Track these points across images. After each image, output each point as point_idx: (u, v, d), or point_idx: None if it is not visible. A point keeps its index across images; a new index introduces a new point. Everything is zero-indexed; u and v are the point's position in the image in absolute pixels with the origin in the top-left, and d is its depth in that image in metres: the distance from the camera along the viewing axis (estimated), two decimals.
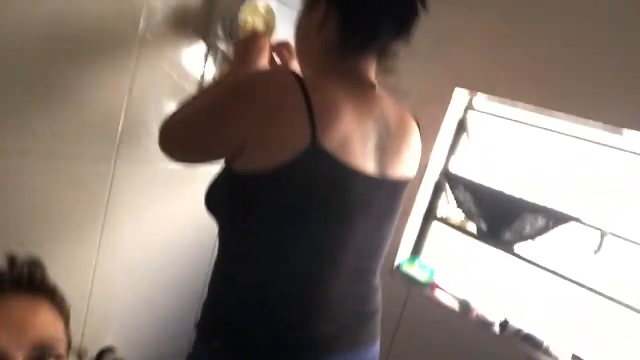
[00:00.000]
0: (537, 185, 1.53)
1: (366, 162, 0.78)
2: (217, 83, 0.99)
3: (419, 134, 0.93)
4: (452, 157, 1.68)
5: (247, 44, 1.06)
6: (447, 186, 1.67)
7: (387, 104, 0.86)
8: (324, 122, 0.71)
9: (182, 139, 0.84)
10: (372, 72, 0.85)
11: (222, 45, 1.25)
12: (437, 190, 1.70)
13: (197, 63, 1.27)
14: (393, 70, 0.88)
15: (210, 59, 1.30)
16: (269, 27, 1.30)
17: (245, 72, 0.94)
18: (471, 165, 1.66)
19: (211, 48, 1.27)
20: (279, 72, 0.77)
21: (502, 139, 1.64)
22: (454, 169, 1.67)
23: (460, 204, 1.62)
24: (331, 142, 0.71)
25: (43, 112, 1.03)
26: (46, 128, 1.04)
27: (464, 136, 1.67)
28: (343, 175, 0.74)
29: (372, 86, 0.84)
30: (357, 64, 0.83)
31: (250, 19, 1.24)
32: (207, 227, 1.16)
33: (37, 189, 1.07)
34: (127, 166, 1.22)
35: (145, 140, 1.23)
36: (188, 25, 1.21)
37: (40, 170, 1.06)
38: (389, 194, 0.85)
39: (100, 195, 1.19)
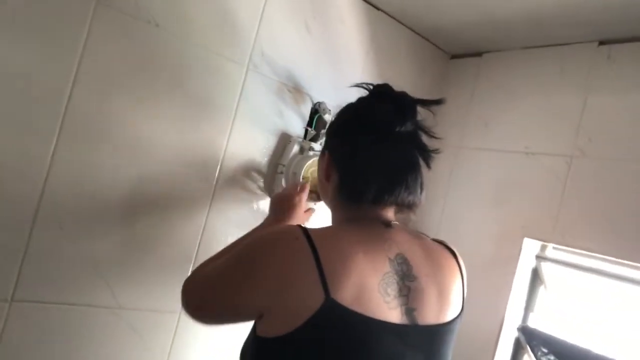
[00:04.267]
0: (631, 346, 1.32)
1: (388, 309, 0.73)
2: (243, 239, 1.06)
3: (455, 264, 0.88)
4: (530, 312, 1.53)
5: (281, 199, 1.16)
6: (527, 345, 1.49)
7: (408, 242, 0.83)
8: (334, 276, 0.70)
9: (199, 302, 0.85)
10: (384, 213, 0.85)
11: None
12: (517, 350, 1.52)
13: (261, 214, 1.38)
14: (409, 213, 0.88)
15: None
16: None
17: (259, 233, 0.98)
18: (552, 321, 1.49)
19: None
20: (285, 232, 0.76)
21: (583, 291, 1.48)
22: (533, 324, 1.51)
23: None
24: (345, 295, 0.69)
25: (117, 266, 1.16)
26: (119, 282, 1.16)
27: (541, 288, 1.54)
28: (363, 329, 0.71)
29: (387, 225, 0.83)
30: (362, 212, 0.84)
31: (312, 175, 1.36)
32: None
33: (101, 339, 1.16)
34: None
35: None
36: (255, 179, 1.35)
37: (109, 322, 1.16)
38: (424, 343, 0.78)
39: (162, 347, 1.26)
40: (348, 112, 0.92)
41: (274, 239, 0.76)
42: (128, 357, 1.20)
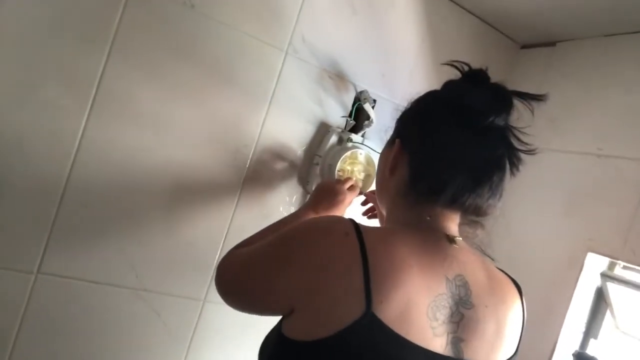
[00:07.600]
0: None
1: (433, 336, 0.65)
2: (282, 224, 0.99)
3: (520, 302, 0.77)
4: (591, 338, 1.35)
5: (322, 189, 1.08)
6: None
7: (471, 264, 0.73)
8: (381, 287, 0.62)
9: (233, 285, 0.80)
10: (451, 224, 0.76)
11: None
12: None
13: (294, 205, 1.33)
14: (479, 225, 0.79)
15: None
16: (370, 177, 1.32)
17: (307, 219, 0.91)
18: (617, 349, 1.30)
19: (309, 195, 1.32)
20: (335, 223, 0.68)
21: None
22: (593, 352, 1.33)
23: None
24: (389, 311, 0.61)
25: (143, 250, 1.16)
26: (144, 264, 1.17)
27: (605, 312, 1.35)
28: (399, 353, 0.62)
29: (451, 240, 0.73)
30: (430, 214, 0.74)
31: (350, 167, 1.28)
32: None
33: (123, 320, 1.17)
34: (213, 306, 1.27)
35: None
36: (289, 172, 1.30)
37: (131, 303, 1.17)
38: None
39: (183, 333, 1.25)
40: (433, 96, 0.81)
41: (321, 229, 0.68)
42: (149, 340, 1.20)
